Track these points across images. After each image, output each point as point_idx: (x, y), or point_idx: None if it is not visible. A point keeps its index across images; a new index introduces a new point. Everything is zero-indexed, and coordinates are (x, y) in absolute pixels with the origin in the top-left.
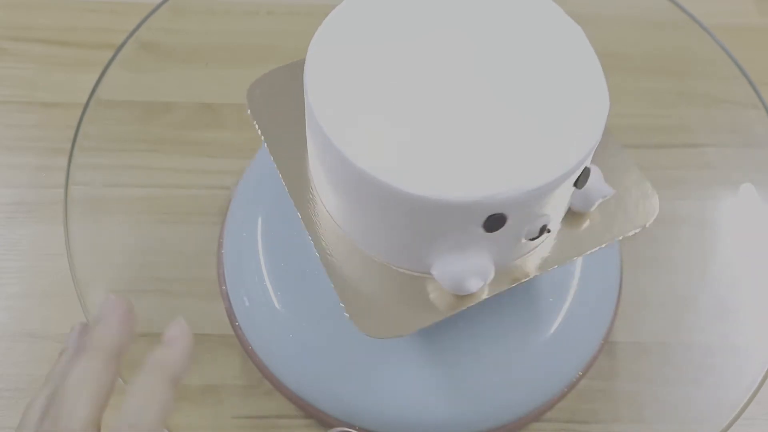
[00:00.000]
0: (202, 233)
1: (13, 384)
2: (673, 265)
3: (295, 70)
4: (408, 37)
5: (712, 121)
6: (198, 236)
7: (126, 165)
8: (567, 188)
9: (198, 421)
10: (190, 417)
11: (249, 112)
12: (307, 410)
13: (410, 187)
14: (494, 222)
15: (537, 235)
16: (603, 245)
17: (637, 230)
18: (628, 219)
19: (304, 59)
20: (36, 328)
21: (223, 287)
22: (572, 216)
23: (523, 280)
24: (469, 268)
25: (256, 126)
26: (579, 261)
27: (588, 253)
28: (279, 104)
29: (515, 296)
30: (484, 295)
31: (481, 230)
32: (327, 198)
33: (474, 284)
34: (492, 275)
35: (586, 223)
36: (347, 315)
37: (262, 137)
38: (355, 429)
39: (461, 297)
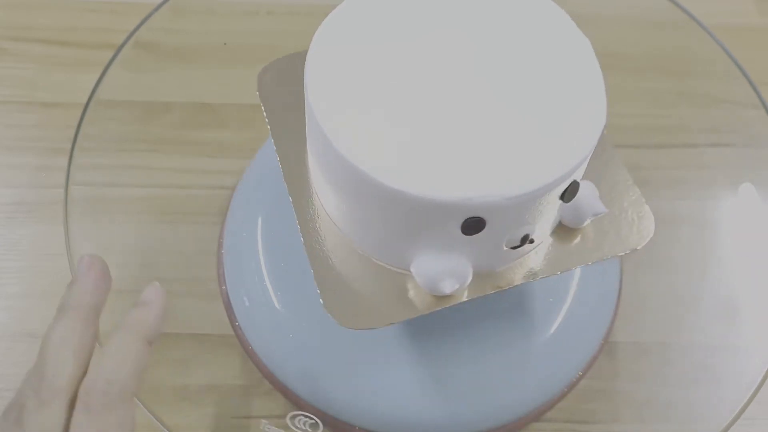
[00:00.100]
0: (202, 233)
1: (13, 384)
2: (673, 265)
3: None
4: (408, 37)
5: (712, 121)
6: (198, 236)
7: (126, 165)
8: (551, 200)
9: (198, 421)
10: (190, 417)
11: (258, 93)
12: (307, 410)
13: (390, 180)
14: (472, 225)
15: (519, 244)
16: (590, 263)
17: (627, 252)
18: (620, 239)
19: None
20: (36, 328)
21: (223, 287)
22: (564, 230)
23: (504, 288)
24: (445, 270)
25: (263, 108)
26: None
27: (574, 268)
28: (287, 90)
29: (515, 297)
30: (464, 298)
31: (460, 232)
32: (319, 186)
33: (448, 286)
34: (469, 279)
35: (578, 239)
36: (321, 302)
37: (266, 120)
38: (355, 429)
39: (440, 297)
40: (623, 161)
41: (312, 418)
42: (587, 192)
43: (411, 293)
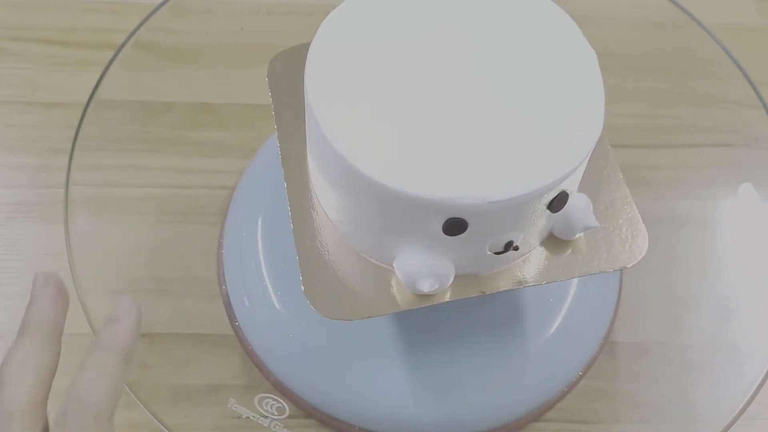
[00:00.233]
0: (202, 233)
1: None
2: (673, 265)
3: None
4: (408, 37)
5: (712, 121)
6: (198, 236)
7: (126, 165)
8: (537, 209)
9: (198, 421)
10: (190, 417)
11: (267, 79)
12: (307, 410)
13: (373, 172)
14: (454, 226)
15: (502, 250)
16: (578, 276)
17: (616, 269)
18: (611, 256)
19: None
20: None
21: (223, 287)
22: (556, 241)
23: (488, 293)
24: (426, 268)
25: (270, 94)
26: None
27: (561, 280)
28: (296, 78)
29: (515, 297)
30: (446, 299)
31: (441, 232)
32: (314, 176)
33: (427, 285)
34: (451, 280)
35: (569, 251)
36: (302, 288)
37: (272, 106)
38: (355, 429)
39: (422, 296)
40: (623, 161)
41: (279, 402)
42: (580, 205)
43: (394, 289)
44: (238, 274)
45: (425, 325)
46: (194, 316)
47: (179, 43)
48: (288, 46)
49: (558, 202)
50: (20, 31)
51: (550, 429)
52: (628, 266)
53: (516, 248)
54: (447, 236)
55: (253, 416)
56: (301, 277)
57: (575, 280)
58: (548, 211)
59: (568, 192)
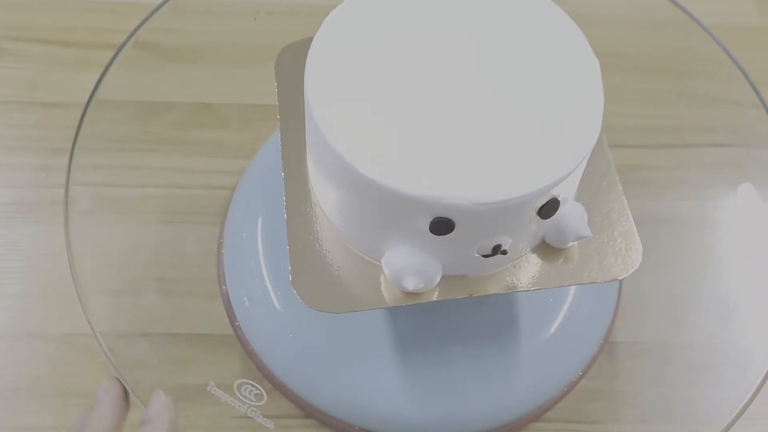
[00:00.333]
0: (202, 233)
1: (13, 384)
2: (673, 265)
3: None
4: (408, 36)
5: (712, 121)
6: (198, 236)
7: (126, 165)
8: (527, 214)
9: (198, 421)
10: (190, 417)
11: (274, 71)
12: (307, 410)
13: (364, 167)
14: (441, 226)
15: (490, 253)
16: (567, 285)
17: (607, 281)
18: (603, 267)
19: None
20: (36, 328)
21: (223, 287)
22: (549, 248)
23: (476, 295)
24: (412, 266)
25: (276, 85)
26: None
27: (551, 288)
28: (302, 72)
29: (515, 297)
30: (434, 298)
31: (428, 231)
32: (311, 170)
33: (412, 282)
34: (437, 280)
35: (561, 260)
36: (290, 277)
37: (277, 97)
38: (355, 429)
39: (409, 293)
40: (623, 161)
41: (258, 389)
42: (574, 213)
43: (382, 286)
44: (238, 274)
45: (425, 326)
46: (194, 316)
47: (179, 43)
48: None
49: (548, 209)
50: (20, 31)
51: (550, 429)
52: (620, 278)
53: (504, 252)
54: (434, 236)
55: (231, 401)
56: (289, 267)
57: None
58: (539, 218)
59: (559, 199)
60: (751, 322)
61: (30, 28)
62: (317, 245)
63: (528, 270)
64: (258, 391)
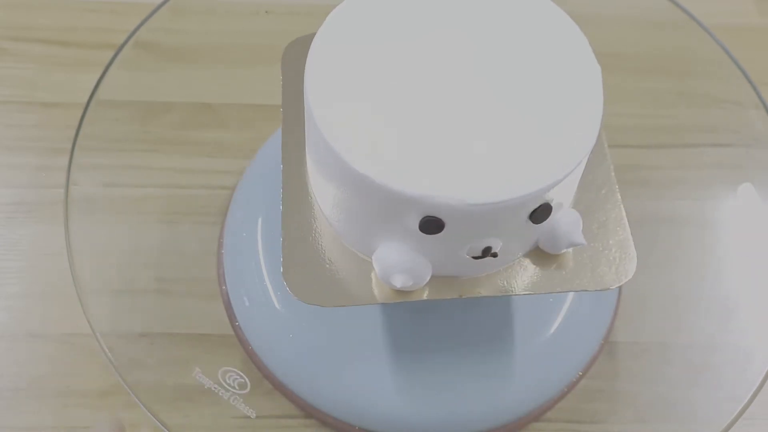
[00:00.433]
0: (202, 233)
1: (13, 384)
2: (673, 265)
3: None
4: (408, 36)
5: (712, 121)
6: (198, 236)
7: (126, 165)
8: (518, 218)
9: (198, 421)
10: (190, 417)
11: (281, 62)
12: (307, 410)
13: (356, 162)
14: (430, 225)
15: (480, 255)
16: (558, 292)
17: (598, 289)
18: (596, 276)
19: None
20: (36, 328)
21: (223, 287)
22: (543, 254)
23: (466, 296)
24: (401, 264)
25: (281, 78)
26: None
27: (541, 293)
28: None
29: (515, 297)
30: (423, 297)
31: (418, 230)
32: (308, 164)
33: (400, 280)
34: (426, 279)
35: (554, 266)
36: (282, 269)
37: (282, 91)
38: (355, 429)
39: (400, 291)
40: (623, 161)
41: (242, 377)
42: (568, 220)
43: (373, 282)
44: (238, 274)
45: (426, 326)
46: (194, 316)
47: (179, 43)
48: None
49: (540, 214)
50: (20, 31)
51: (550, 429)
52: (611, 288)
53: (495, 255)
54: (424, 234)
55: (215, 387)
56: (281, 258)
57: None
58: (531, 222)
59: (551, 204)
60: (751, 322)
61: (30, 28)
62: (311, 238)
63: (520, 274)
64: (242, 380)
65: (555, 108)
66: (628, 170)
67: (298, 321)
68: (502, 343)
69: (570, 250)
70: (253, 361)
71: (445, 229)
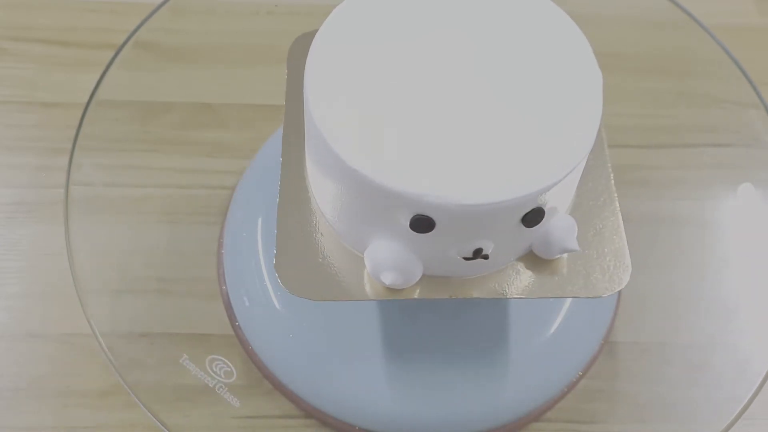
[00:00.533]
0: (202, 233)
1: (13, 384)
2: (673, 265)
3: None
4: (408, 36)
5: (712, 121)
6: (198, 236)
7: (126, 165)
8: (509, 221)
9: (198, 421)
10: (190, 417)
11: (287, 56)
12: (307, 410)
13: (348, 156)
14: (420, 223)
15: (471, 256)
16: (549, 297)
17: (590, 297)
18: (588, 283)
19: None
20: (36, 328)
21: (223, 287)
22: (536, 258)
23: (455, 297)
24: (391, 261)
25: (286, 72)
26: None
27: (531, 298)
28: None
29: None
30: (415, 296)
31: (408, 228)
32: (307, 158)
33: (389, 277)
34: (417, 277)
35: (547, 271)
36: (274, 261)
37: (286, 83)
38: (355, 429)
39: (391, 289)
40: (623, 161)
41: (228, 366)
42: (563, 225)
43: (366, 279)
44: (238, 274)
45: (426, 326)
46: (194, 316)
47: (179, 43)
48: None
49: (533, 218)
50: (20, 31)
51: (550, 429)
52: (603, 296)
53: (486, 257)
54: (415, 233)
55: (201, 375)
56: (274, 250)
57: None
58: (523, 226)
59: (544, 209)
60: (751, 322)
61: (30, 28)
62: (306, 232)
63: (513, 278)
64: (228, 369)
65: (553, 112)
66: (628, 170)
67: (298, 321)
68: (502, 343)
69: (564, 256)
70: (253, 361)
71: (435, 228)
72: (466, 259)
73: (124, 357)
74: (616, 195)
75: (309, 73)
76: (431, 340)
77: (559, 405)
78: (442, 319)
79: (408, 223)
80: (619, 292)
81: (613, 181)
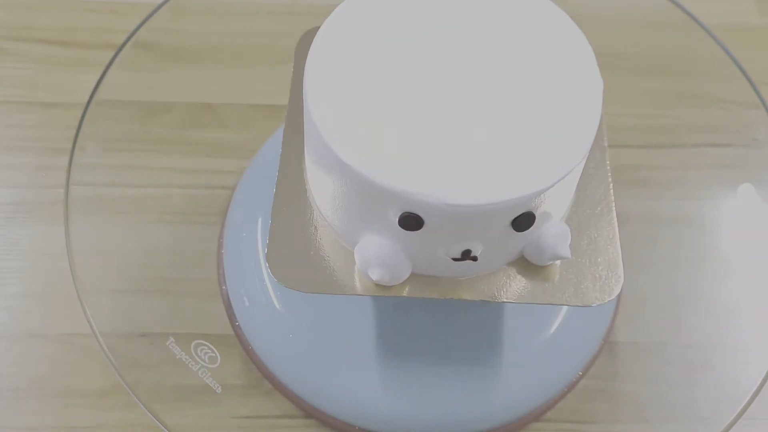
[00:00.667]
0: (202, 233)
1: (13, 384)
2: (673, 265)
3: None
4: (408, 36)
5: (712, 121)
6: (198, 236)
7: (126, 165)
8: (498, 223)
9: (198, 421)
10: (190, 417)
11: (294, 51)
12: (307, 410)
13: (341, 151)
14: (409, 221)
15: (459, 257)
16: (539, 303)
17: (579, 305)
18: (579, 292)
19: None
20: (36, 328)
21: (223, 287)
22: (528, 264)
23: (446, 297)
24: (379, 258)
25: (293, 67)
26: None
27: (523, 303)
28: None
29: None
30: (404, 293)
31: (397, 225)
32: (305, 152)
33: (376, 273)
34: (405, 275)
35: (539, 276)
36: (266, 250)
37: (292, 77)
38: (355, 429)
39: (381, 286)
40: (623, 161)
41: (213, 351)
42: (555, 232)
43: (356, 274)
44: (238, 274)
45: (427, 326)
46: (194, 316)
47: (179, 43)
48: (288, 46)
49: (522, 222)
50: (20, 31)
51: (550, 429)
52: (593, 305)
53: (474, 258)
54: (404, 231)
55: (186, 359)
56: (267, 240)
57: None
58: (513, 230)
59: (535, 213)
60: (751, 322)
61: (30, 28)
62: (300, 225)
63: (504, 282)
64: (213, 354)
65: (550, 117)
66: (628, 170)
67: (298, 321)
68: (502, 343)
69: (557, 263)
70: (253, 361)
71: (424, 226)
72: (455, 259)
73: (124, 357)
74: (614, 205)
75: (309, 71)
76: (432, 340)
77: (559, 405)
78: (443, 319)
79: (397, 220)
80: (619, 293)
81: (612, 191)
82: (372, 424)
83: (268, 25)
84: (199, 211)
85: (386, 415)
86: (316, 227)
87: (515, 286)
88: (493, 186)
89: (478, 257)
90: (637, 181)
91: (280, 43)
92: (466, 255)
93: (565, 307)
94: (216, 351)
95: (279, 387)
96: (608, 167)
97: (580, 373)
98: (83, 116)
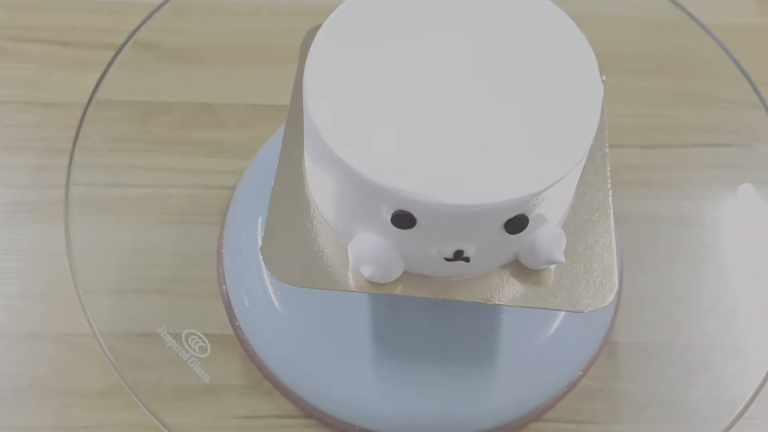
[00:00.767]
0: (202, 233)
1: (13, 384)
2: (673, 265)
3: None
4: (408, 36)
5: (712, 121)
6: (198, 236)
7: (126, 165)
8: (491, 225)
9: (198, 421)
10: (190, 417)
11: (300, 48)
12: (307, 410)
13: (336, 147)
14: (401, 219)
15: (451, 257)
16: (531, 307)
17: (571, 311)
18: (572, 297)
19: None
20: (36, 328)
21: (223, 287)
22: (523, 267)
23: (440, 297)
24: (371, 255)
25: (298, 63)
26: None
27: (516, 306)
28: None
29: None
30: (397, 291)
31: (390, 223)
32: (305, 148)
33: (368, 270)
34: (398, 273)
35: (533, 280)
36: (260, 242)
37: (296, 73)
38: (355, 429)
39: (374, 283)
40: (623, 162)
41: (203, 341)
42: (550, 236)
43: (350, 271)
44: (238, 274)
45: (427, 326)
46: (194, 316)
47: (179, 43)
48: (288, 46)
49: (515, 225)
50: (20, 31)
51: (550, 429)
52: (585, 311)
53: (467, 259)
54: (396, 228)
55: (176, 347)
56: (263, 233)
57: None
58: (506, 232)
59: (528, 216)
60: (751, 322)
61: (30, 28)
62: (296, 219)
63: (497, 284)
64: (203, 344)
65: (548, 120)
66: (628, 170)
67: (298, 321)
68: (503, 343)
69: (552, 267)
70: (253, 361)
71: (416, 225)
72: (447, 260)
73: (124, 357)
74: (612, 212)
75: (309, 70)
76: (431, 340)
77: (559, 405)
78: (442, 320)
79: (390, 217)
80: (619, 292)
81: (611, 198)
82: (372, 424)
83: (269, 25)
84: (200, 211)
85: (386, 415)
86: (312, 223)
87: (509, 288)
88: (486, 187)
89: (471, 258)
90: (637, 181)
91: (280, 43)
92: (459, 255)
93: None
94: (206, 341)
95: (279, 387)
96: (608, 173)
97: (580, 373)
98: (83, 116)
